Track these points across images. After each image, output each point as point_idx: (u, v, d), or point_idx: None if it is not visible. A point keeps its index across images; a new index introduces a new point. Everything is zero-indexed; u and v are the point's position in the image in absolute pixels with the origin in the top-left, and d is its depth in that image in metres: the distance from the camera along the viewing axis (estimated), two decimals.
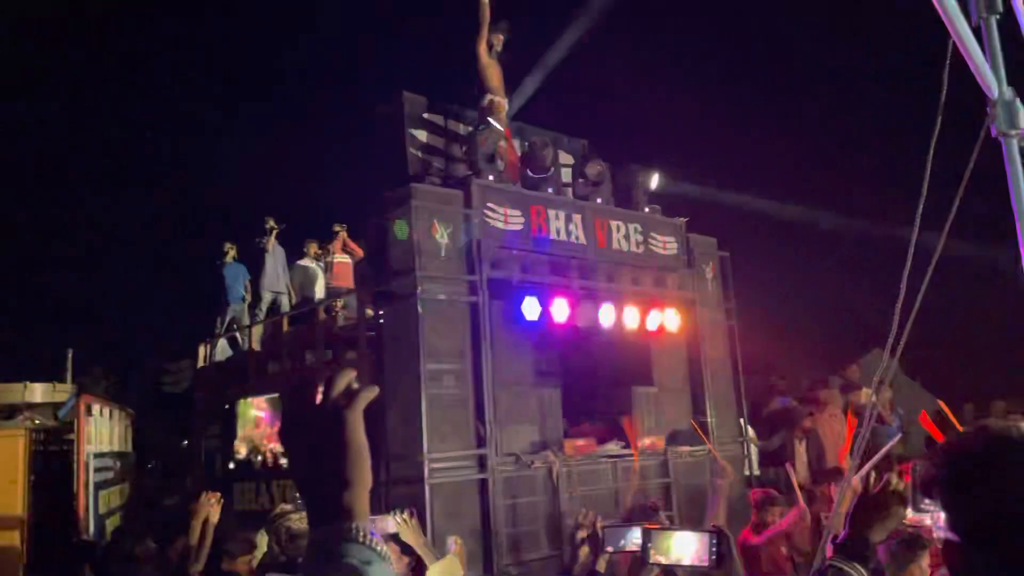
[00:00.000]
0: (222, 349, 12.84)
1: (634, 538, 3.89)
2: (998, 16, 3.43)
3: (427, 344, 7.57)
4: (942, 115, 4.03)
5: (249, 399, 9.98)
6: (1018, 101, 3.43)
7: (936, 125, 4.01)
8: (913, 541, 4.32)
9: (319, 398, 1.21)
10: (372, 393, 1.24)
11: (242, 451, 9.09)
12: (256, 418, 8.70)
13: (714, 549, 3.15)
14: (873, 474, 2.44)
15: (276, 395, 9.16)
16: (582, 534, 4.58)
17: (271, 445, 8.77)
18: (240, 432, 8.57)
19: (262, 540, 6.58)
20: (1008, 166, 3.35)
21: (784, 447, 10.70)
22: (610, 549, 4.23)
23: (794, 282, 14.46)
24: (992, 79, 3.33)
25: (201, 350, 13.07)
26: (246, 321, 12.53)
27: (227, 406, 9.85)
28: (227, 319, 12.62)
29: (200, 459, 11.19)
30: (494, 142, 8.71)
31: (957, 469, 1.39)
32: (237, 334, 12.55)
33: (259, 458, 9.20)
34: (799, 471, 10.20)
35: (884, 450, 3.90)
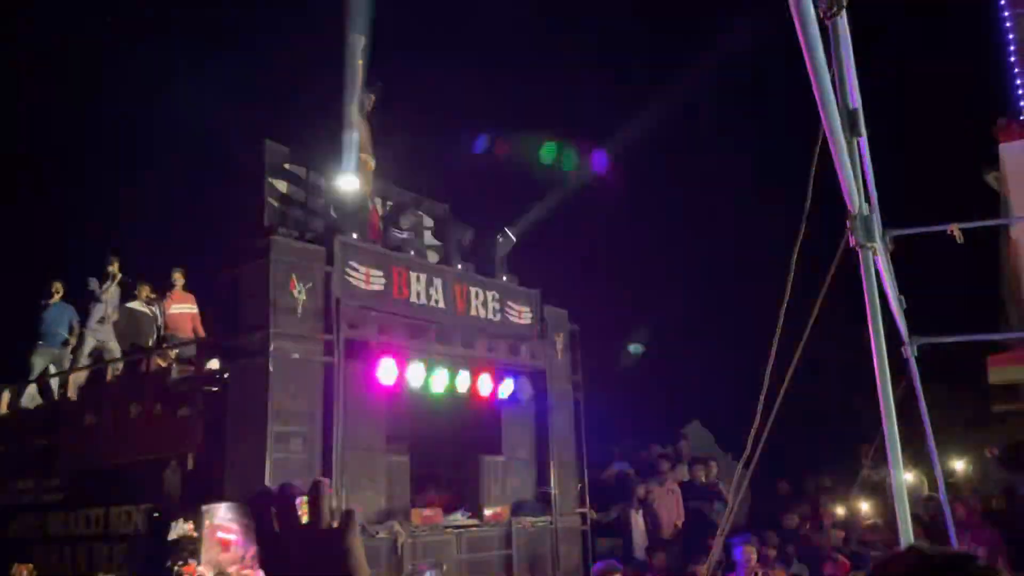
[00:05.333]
0: (30, 396, 11.65)
1: None
2: (860, 137, 3.80)
3: (276, 405, 7.22)
4: (805, 223, 4.38)
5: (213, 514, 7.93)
6: (875, 216, 3.79)
7: (800, 232, 4.35)
8: None
9: (304, 518, 1.07)
10: (359, 514, 1.12)
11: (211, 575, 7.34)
12: (222, 541, 7.08)
13: None
14: (760, 570, 2.52)
15: (244, 511, 7.47)
16: None
17: (245, 572, 7.09)
18: (204, 556, 7.00)
19: None
20: (863, 274, 3.67)
21: (620, 518, 10.99)
22: None
23: (632, 357, 15.07)
24: (855, 194, 3.65)
25: (4, 395, 11.81)
26: (66, 366, 11.46)
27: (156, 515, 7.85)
28: (41, 363, 11.49)
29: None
30: (359, 200, 8.59)
31: None
32: (51, 380, 11.44)
33: None
34: (636, 541, 10.50)
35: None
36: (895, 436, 3.45)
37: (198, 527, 7.29)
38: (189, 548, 6.78)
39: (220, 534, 7.36)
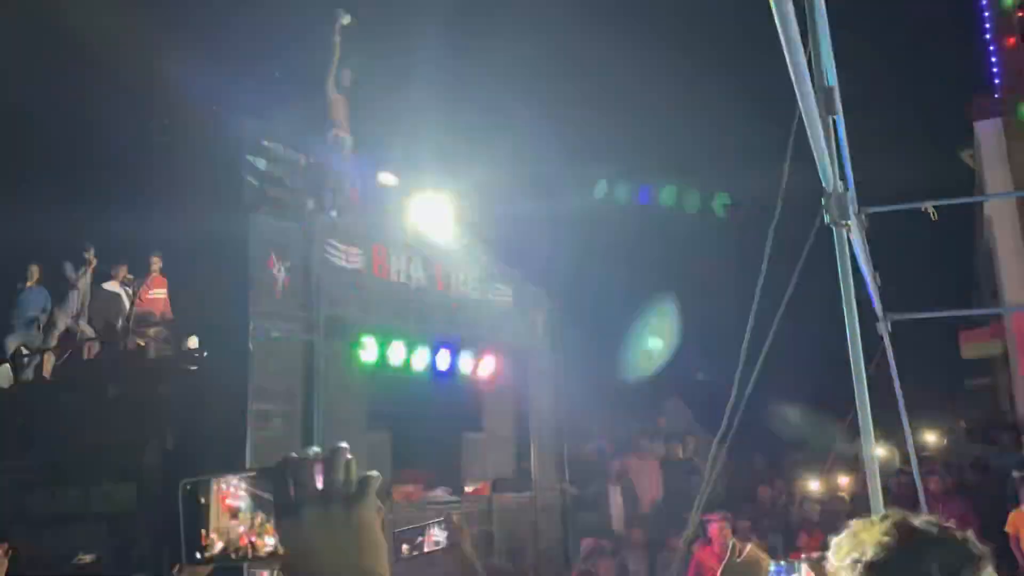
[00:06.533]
0: (5, 376, 11.56)
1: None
2: (834, 117, 3.83)
3: (256, 383, 7.20)
4: (782, 201, 4.41)
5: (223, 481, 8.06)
6: (848, 195, 3.82)
7: (776, 210, 4.38)
8: None
9: (319, 482, 1.05)
10: (378, 480, 1.08)
11: (217, 544, 7.34)
12: (231, 507, 7.17)
13: None
14: (736, 542, 2.57)
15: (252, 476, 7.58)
16: None
17: (254, 539, 7.03)
18: (213, 523, 7.06)
19: None
20: (838, 251, 3.72)
21: (599, 495, 11.10)
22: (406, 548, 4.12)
23: (612, 334, 15.16)
24: (829, 173, 3.69)
25: None
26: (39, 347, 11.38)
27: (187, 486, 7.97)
28: (15, 345, 11.40)
29: None
30: (338, 177, 8.55)
31: (860, 556, 1.50)
32: (25, 359, 11.34)
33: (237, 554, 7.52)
34: (614, 517, 10.63)
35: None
36: (867, 411, 3.51)
37: (206, 495, 7.38)
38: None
39: (228, 501, 7.59)
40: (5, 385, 11.43)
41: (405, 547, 3.84)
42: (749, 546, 2.26)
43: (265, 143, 8.93)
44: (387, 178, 9.86)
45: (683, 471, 11.22)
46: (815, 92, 3.77)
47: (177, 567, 5.27)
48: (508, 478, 9.76)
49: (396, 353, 8.11)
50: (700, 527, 7.81)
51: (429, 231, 9.55)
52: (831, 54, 4.50)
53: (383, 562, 1.05)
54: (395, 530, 4.31)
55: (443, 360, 8.60)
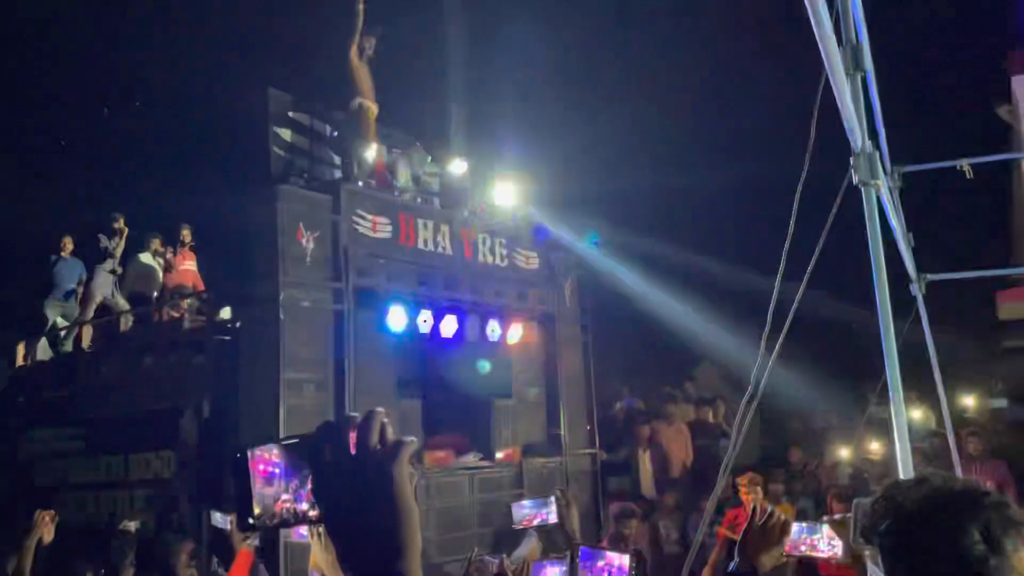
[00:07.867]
0: (44, 348, 11.82)
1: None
2: (863, 73, 3.73)
3: (288, 352, 7.31)
4: (808, 163, 4.33)
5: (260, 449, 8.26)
6: (880, 153, 3.74)
7: (803, 171, 4.31)
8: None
9: (353, 447, 1.07)
10: (413, 445, 1.10)
11: (257, 508, 7.57)
12: (264, 472, 7.39)
13: (634, 571, 3.26)
14: (761, 504, 2.56)
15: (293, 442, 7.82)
16: None
17: (290, 504, 7.22)
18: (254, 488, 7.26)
19: None
20: (866, 212, 3.65)
21: (629, 460, 11.14)
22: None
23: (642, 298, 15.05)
24: (857, 131, 3.61)
25: (19, 348, 11.99)
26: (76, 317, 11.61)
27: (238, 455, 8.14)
28: (54, 316, 11.63)
29: (19, 468, 10.23)
30: (363, 147, 8.56)
31: (896, 520, 1.47)
32: (62, 333, 11.59)
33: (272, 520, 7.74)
34: (644, 481, 10.66)
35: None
36: (896, 374, 3.46)
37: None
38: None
39: (262, 466, 7.74)
40: (44, 357, 11.70)
41: (522, 522, 3.88)
42: (771, 508, 2.25)
43: (291, 114, 8.97)
44: (412, 146, 9.84)
45: (713, 435, 11.22)
46: (842, 47, 3.68)
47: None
48: (538, 443, 9.83)
49: (425, 322, 8.16)
50: (730, 488, 7.82)
51: (457, 200, 9.55)
52: (860, 8, 4.38)
53: (415, 524, 1.07)
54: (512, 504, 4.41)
55: (472, 327, 8.64)
